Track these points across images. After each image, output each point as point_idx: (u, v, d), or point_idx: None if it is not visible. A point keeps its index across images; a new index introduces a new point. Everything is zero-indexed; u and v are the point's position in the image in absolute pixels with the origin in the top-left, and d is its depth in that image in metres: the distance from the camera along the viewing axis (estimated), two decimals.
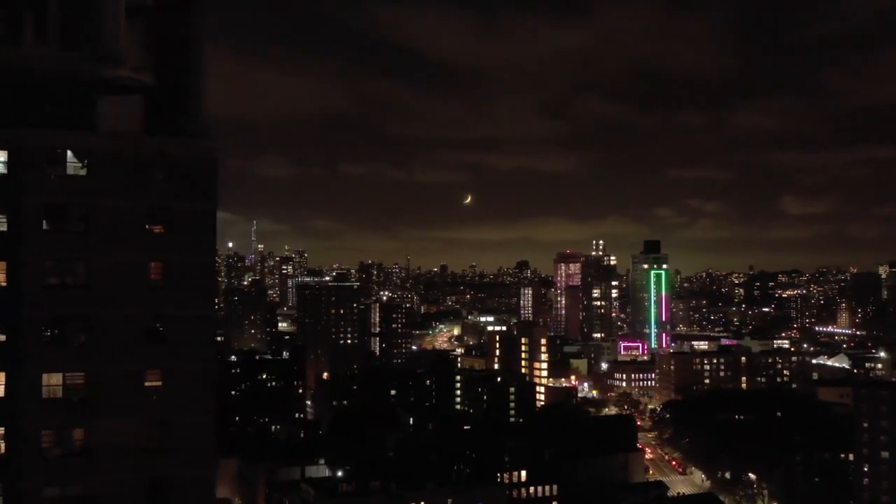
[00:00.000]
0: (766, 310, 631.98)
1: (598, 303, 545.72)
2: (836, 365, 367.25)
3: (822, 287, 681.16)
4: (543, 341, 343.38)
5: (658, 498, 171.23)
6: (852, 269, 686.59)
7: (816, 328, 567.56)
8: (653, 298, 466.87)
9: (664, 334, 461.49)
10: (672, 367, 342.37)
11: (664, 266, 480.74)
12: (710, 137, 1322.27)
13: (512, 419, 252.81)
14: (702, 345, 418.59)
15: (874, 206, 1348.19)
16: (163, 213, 49.15)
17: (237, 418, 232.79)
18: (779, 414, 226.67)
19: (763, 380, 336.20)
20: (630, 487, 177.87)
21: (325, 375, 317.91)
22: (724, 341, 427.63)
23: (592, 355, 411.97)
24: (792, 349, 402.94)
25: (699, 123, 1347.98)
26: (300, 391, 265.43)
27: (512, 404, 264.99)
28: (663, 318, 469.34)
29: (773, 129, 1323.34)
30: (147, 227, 49.06)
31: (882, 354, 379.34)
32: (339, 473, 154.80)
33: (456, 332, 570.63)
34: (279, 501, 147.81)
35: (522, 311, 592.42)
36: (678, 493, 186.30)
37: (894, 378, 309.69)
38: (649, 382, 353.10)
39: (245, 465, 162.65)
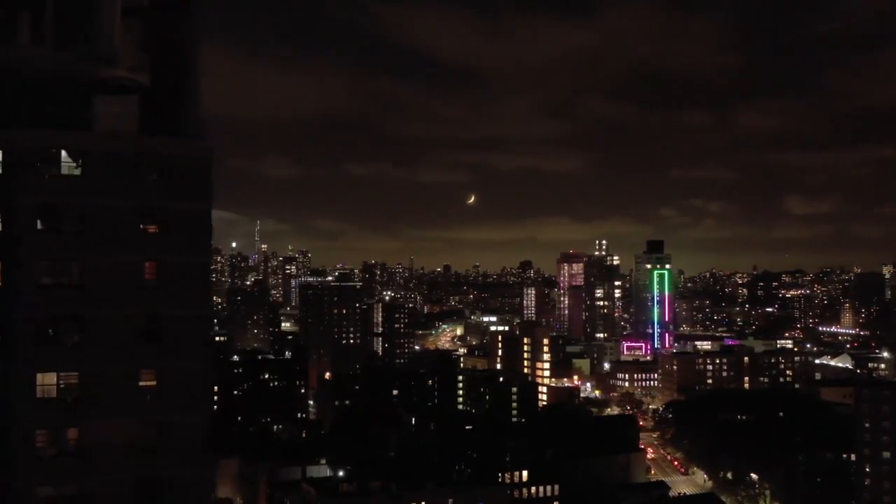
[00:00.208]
0: (769, 310, 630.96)
1: (602, 303, 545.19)
2: (840, 365, 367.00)
3: (826, 287, 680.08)
4: (546, 341, 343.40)
5: (660, 498, 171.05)
6: (856, 269, 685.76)
7: (820, 328, 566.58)
8: (656, 298, 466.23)
9: (667, 334, 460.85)
10: (675, 367, 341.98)
11: (667, 266, 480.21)
12: (714, 137, 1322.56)
13: (514, 419, 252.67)
14: (705, 345, 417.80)
15: (878, 205, 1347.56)
16: (157, 213, 49.15)
17: (239, 418, 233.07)
18: (781, 414, 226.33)
19: (766, 380, 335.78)
20: (631, 487, 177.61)
21: (327, 375, 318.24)
22: (728, 341, 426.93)
23: (595, 355, 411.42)
24: (795, 349, 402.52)
25: (702, 123, 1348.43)
26: (302, 391, 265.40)
27: (514, 404, 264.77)
28: (666, 319, 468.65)
29: (777, 129, 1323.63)
30: (142, 226, 49.05)
31: (885, 354, 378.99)
32: (341, 473, 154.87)
33: (459, 332, 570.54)
34: (280, 501, 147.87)
35: (526, 312, 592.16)
36: (679, 494, 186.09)
37: None
38: (652, 382, 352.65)
39: (246, 465, 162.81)
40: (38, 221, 46.99)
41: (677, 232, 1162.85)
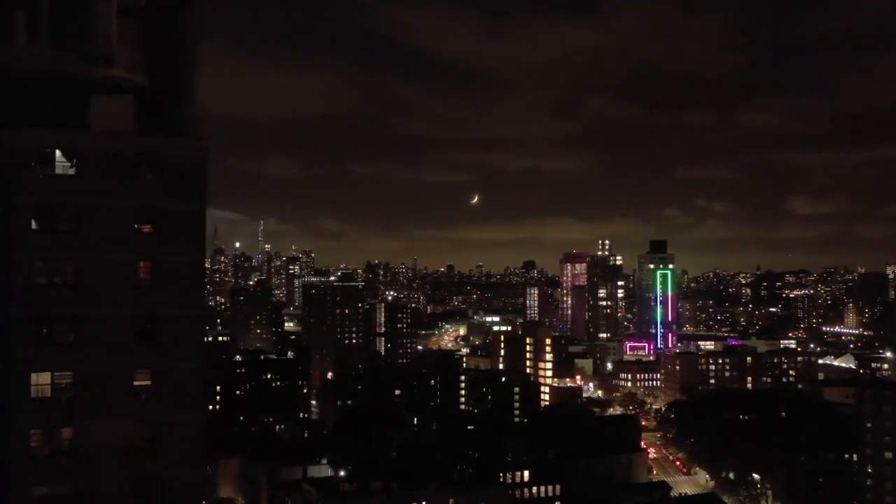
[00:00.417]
0: (773, 310, 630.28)
1: (605, 303, 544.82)
2: (843, 365, 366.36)
3: (830, 287, 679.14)
4: (548, 341, 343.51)
5: (661, 498, 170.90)
6: (860, 269, 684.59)
7: (823, 328, 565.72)
8: (659, 298, 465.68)
9: (670, 334, 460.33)
10: (677, 367, 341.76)
11: (670, 266, 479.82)
12: (717, 137, 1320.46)
13: (516, 419, 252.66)
14: (708, 345, 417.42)
15: (882, 205, 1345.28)
16: (152, 213, 49.02)
17: (242, 418, 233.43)
18: (784, 414, 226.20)
19: (769, 380, 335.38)
20: (633, 488, 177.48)
21: (329, 375, 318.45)
22: (731, 341, 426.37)
23: (598, 355, 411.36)
24: (798, 349, 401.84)
25: (706, 123, 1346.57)
26: (305, 391, 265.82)
27: (516, 404, 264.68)
28: (669, 318, 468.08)
29: (781, 129, 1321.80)
30: (136, 226, 48.97)
31: (889, 355, 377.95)
32: (342, 473, 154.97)
33: (462, 332, 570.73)
34: (281, 501, 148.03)
35: (529, 311, 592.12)
36: (681, 494, 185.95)
37: None
38: (655, 382, 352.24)
39: (248, 465, 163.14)
40: (33, 221, 46.92)
41: (680, 232, 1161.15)
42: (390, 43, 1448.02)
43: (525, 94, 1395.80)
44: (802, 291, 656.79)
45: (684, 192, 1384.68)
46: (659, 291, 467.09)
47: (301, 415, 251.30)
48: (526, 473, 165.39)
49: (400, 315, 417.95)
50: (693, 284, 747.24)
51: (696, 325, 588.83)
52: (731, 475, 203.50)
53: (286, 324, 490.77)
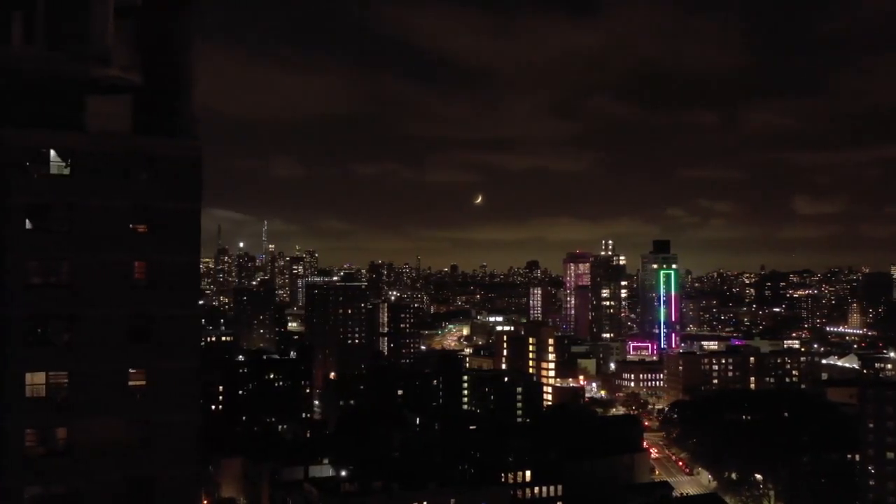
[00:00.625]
0: (777, 310, 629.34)
1: (608, 303, 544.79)
2: (846, 365, 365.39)
3: (834, 287, 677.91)
4: (551, 341, 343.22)
5: (663, 498, 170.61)
6: (864, 269, 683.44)
7: (827, 328, 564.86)
8: (662, 298, 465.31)
9: (674, 334, 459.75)
10: (680, 367, 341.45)
11: (674, 266, 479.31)
12: (721, 137, 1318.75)
13: (519, 419, 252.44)
14: (711, 345, 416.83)
15: (886, 205, 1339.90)
16: (147, 213, 49.10)
17: (244, 418, 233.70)
18: (786, 414, 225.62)
19: (772, 380, 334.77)
20: (635, 488, 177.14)
21: (332, 375, 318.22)
22: (734, 341, 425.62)
23: (601, 355, 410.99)
24: (802, 349, 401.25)
25: (710, 123, 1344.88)
26: (307, 391, 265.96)
27: (519, 404, 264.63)
28: (673, 319, 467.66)
29: (785, 129, 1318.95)
30: (131, 226, 49.03)
31: (892, 355, 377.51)
32: (343, 473, 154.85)
33: (465, 331, 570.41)
34: (283, 501, 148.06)
35: (532, 311, 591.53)
36: (682, 494, 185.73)
37: None
38: (658, 383, 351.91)
39: (250, 465, 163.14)
40: (28, 221, 47.01)
41: (684, 232, 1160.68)
42: (391, 42, 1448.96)
43: (527, 94, 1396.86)
44: (806, 291, 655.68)
45: (687, 191, 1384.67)
46: (662, 291, 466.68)
47: (304, 415, 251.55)
48: (528, 473, 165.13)
49: (403, 315, 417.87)
50: (696, 284, 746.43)
51: (700, 325, 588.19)
52: (734, 475, 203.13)
53: (289, 324, 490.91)
